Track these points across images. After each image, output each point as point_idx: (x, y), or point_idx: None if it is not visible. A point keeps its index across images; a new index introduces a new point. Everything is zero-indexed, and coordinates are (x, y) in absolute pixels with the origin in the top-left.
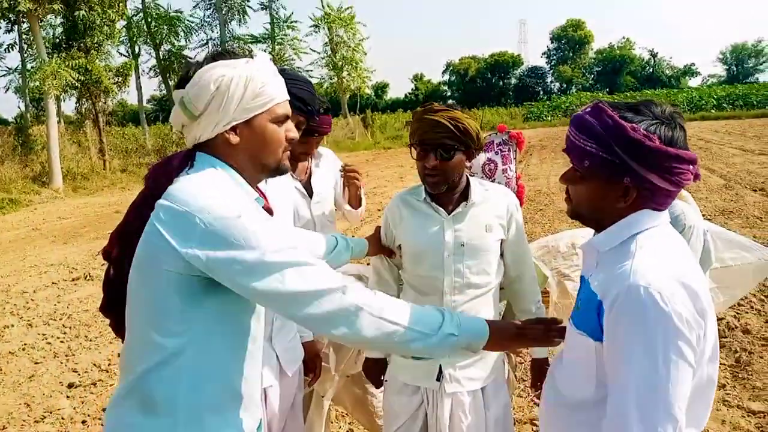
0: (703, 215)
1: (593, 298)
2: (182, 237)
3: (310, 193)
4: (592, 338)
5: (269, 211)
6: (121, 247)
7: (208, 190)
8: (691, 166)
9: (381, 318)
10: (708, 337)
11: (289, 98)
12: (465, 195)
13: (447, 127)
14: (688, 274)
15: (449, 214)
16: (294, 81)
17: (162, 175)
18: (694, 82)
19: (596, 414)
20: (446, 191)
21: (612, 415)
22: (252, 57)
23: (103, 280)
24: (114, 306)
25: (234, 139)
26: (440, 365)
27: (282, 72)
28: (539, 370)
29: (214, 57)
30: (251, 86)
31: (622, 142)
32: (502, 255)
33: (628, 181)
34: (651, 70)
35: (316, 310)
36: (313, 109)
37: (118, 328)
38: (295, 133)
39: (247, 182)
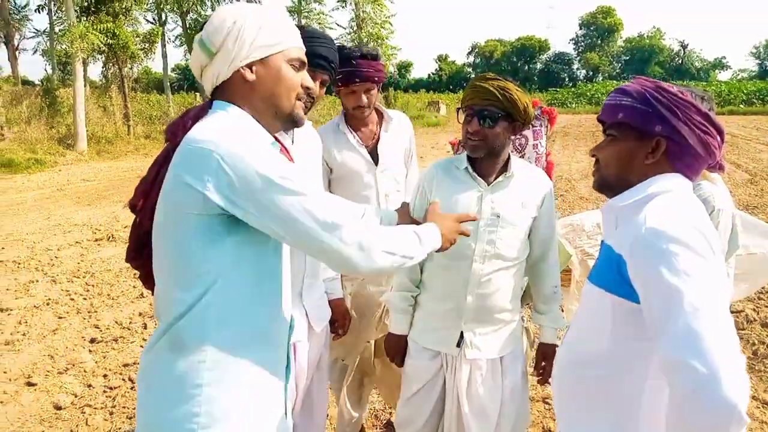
0: None
1: (611, 254)
2: (199, 174)
3: (376, 161)
4: (609, 292)
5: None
6: (144, 199)
7: (223, 128)
8: (718, 137)
9: (385, 252)
10: None
11: (305, 48)
12: (504, 167)
13: (494, 95)
14: (701, 224)
15: (488, 184)
16: (315, 39)
17: (179, 127)
18: (723, 76)
19: (607, 371)
20: (487, 160)
21: (681, 347)
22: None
23: (130, 231)
24: (140, 255)
25: (250, 76)
26: (461, 331)
27: (302, 29)
28: (544, 355)
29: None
30: (266, 26)
31: (658, 94)
32: (530, 233)
33: (660, 130)
34: (680, 61)
35: (330, 244)
36: (336, 65)
37: (147, 279)
38: (310, 82)
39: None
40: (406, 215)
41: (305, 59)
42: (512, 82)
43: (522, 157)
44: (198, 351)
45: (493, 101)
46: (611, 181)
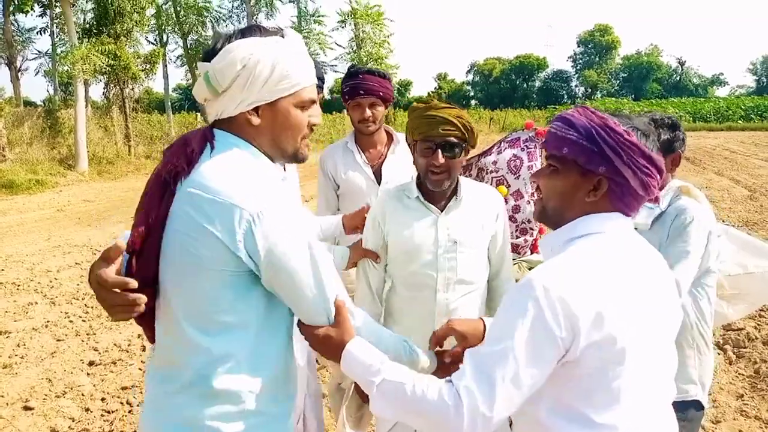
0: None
1: None
2: (232, 234)
3: (380, 180)
4: None
5: None
6: (142, 242)
7: (245, 178)
8: (657, 176)
9: None
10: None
11: (317, 82)
12: (455, 191)
13: (455, 125)
14: (600, 283)
15: (441, 210)
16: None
17: (180, 156)
18: (722, 92)
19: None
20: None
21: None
22: (283, 35)
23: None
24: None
25: (255, 120)
26: None
27: None
28: None
29: (243, 32)
30: (279, 68)
31: (605, 133)
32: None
33: (603, 171)
34: (678, 78)
35: (318, 317)
36: (324, 82)
37: (150, 331)
38: (318, 120)
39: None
40: (359, 250)
41: (315, 96)
42: (458, 107)
43: (517, 178)
44: (232, 400)
45: (452, 131)
46: (550, 214)
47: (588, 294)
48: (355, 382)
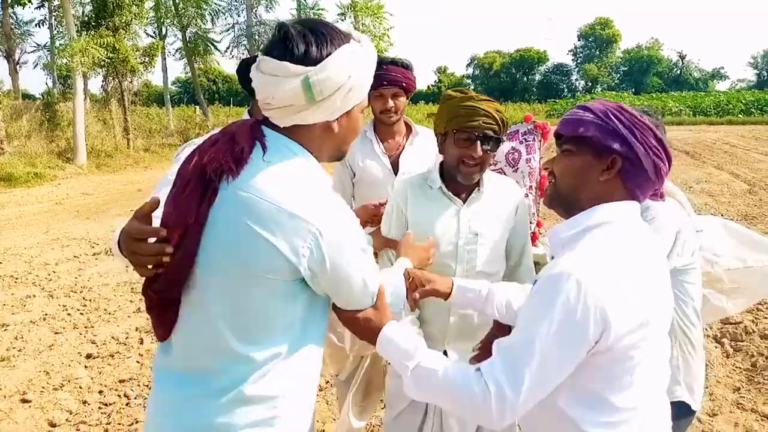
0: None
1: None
2: (295, 246)
3: (397, 171)
4: None
5: None
6: (179, 240)
7: (306, 188)
8: (667, 162)
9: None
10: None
11: None
12: (477, 183)
13: (495, 118)
14: (620, 271)
15: (463, 202)
16: None
17: (227, 153)
18: (722, 86)
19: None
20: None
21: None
22: (357, 40)
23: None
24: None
25: (335, 126)
26: (444, 350)
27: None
28: None
29: (323, 34)
30: (369, 77)
31: (619, 113)
32: (506, 243)
33: (617, 147)
34: (678, 72)
35: (364, 308)
36: None
37: (164, 329)
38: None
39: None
40: (380, 237)
41: None
42: (495, 101)
43: (515, 171)
44: (266, 405)
45: (492, 124)
46: (564, 195)
47: (615, 286)
48: (363, 374)
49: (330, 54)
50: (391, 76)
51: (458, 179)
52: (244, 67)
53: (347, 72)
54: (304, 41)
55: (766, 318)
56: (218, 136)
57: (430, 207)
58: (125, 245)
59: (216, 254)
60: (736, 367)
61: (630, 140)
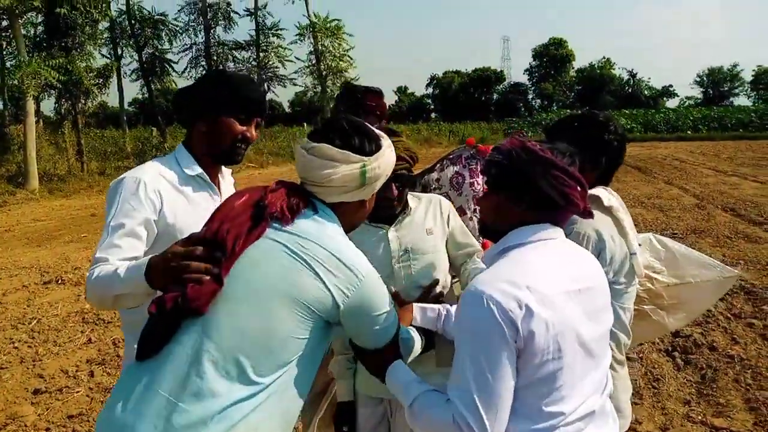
0: (675, 234)
1: None
2: (341, 289)
3: None
4: None
5: None
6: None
7: (351, 246)
8: (578, 187)
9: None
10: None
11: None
12: (403, 208)
13: (404, 158)
14: (525, 282)
15: (391, 225)
16: (249, 85)
17: (284, 203)
18: (671, 103)
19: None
20: None
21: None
22: (382, 136)
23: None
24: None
25: (368, 204)
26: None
27: (232, 77)
28: None
29: (359, 126)
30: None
31: (522, 152)
32: (448, 247)
33: (522, 182)
34: (630, 90)
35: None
36: (266, 109)
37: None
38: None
39: None
40: None
41: None
42: (402, 136)
43: (460, 195)
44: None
45: (403, 164)
46: (489, 228)
47: (516, 291)
48: (331, 399)
49: (380, 148)
50: (368, 106)
51: (382, 214)
52: (182, 95)
53: (387, 162)
54: (359, 136)
55: (714, 331)
56: (277, 186)
57: (358, 236)
58: (167, 272)
59: (255, 277)
60: (687, 380)
61: (531, 175)
